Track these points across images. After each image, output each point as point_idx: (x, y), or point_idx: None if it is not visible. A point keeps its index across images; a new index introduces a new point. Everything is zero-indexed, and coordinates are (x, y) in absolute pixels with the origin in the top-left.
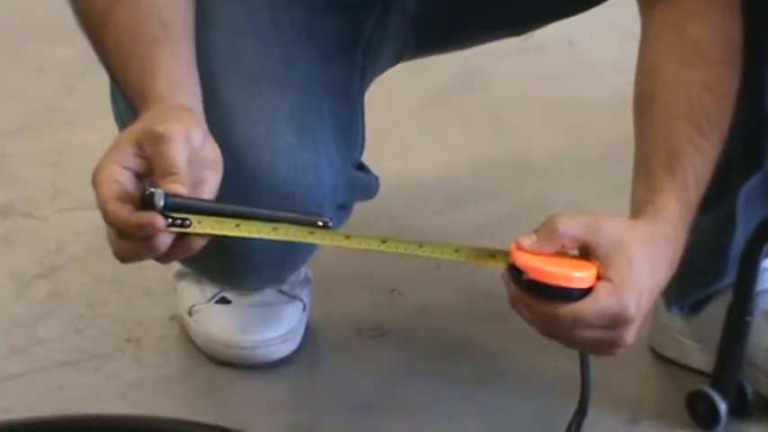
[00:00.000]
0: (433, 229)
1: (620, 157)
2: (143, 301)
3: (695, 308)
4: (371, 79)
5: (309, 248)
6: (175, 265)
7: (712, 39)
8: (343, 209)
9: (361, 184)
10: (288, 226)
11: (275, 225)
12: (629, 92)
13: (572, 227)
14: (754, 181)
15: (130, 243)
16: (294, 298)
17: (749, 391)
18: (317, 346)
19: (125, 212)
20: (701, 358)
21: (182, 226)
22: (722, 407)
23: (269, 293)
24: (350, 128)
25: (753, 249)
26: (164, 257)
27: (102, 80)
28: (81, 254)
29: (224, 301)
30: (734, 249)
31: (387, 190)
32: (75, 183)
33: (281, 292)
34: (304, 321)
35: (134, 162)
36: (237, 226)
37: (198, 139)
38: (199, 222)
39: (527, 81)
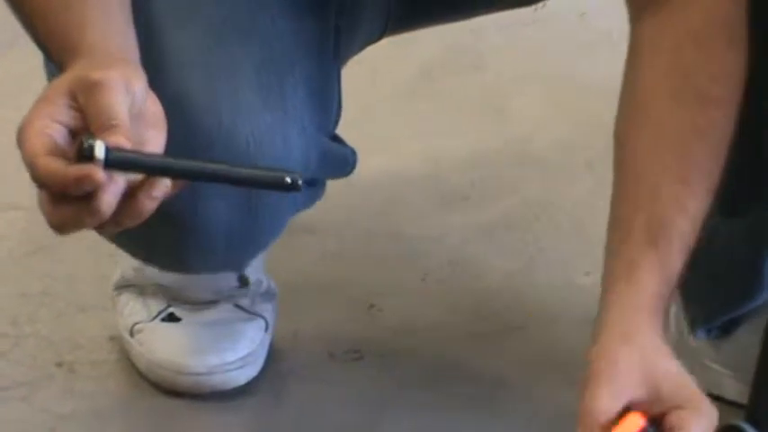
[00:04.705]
0: (418, 233)
1: None
2: (77, 319)
3: (724, 330)
4: (349, 50)
5: (275, 226)
6: (115, 276)
7: (709, 70)
8: (314, 186)
9: (336, 156)
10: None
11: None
12: None
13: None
14: None
15: (68, 207)
16: (255, 315)
17: None
18: (282, 372)
19: (59, 166)
20: (735, 387)
21: None
22: None
23: (225, 309)
24: (324, 91)
25: None
26: (108, 225)
27: (23, 53)
28: (2, 262)
29: (172, 318)
30: None
31: (364, 188)
32: None
33: (240, 307)
34: (267, 342)
35: (68, 115)
36: None
37: (139, 90)
38: None
39: (529, 59)
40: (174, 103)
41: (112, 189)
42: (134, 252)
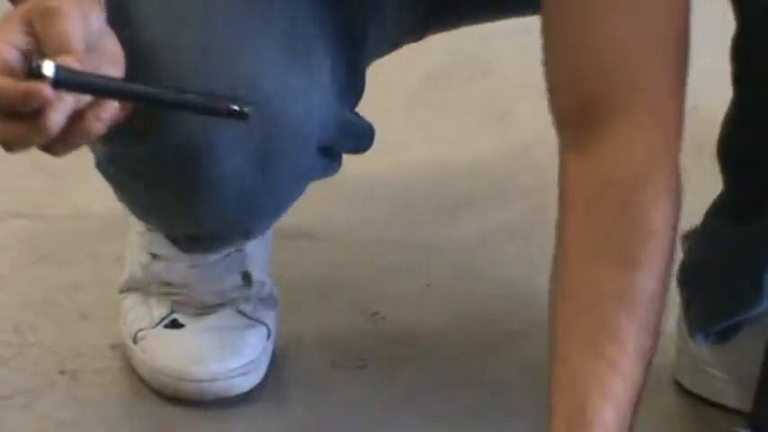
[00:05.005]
0: (423, 239)
1: None
2: (79, 327)
3: (723, 336)
4: (380, 43)
5: (287, 190)
6: (122, 277)
7: (632, 230)
8: (330, 156)
9: (355, 128)
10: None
11: None
12: None
13: None
14: None
15: (16, 124)
16: (257, 322)
17: None
18: (284, 380)
19: (8, 82)
20: (736, 395)
21: None
22: None
23: (227, 315)
24: (348, 70)
25: None
26: (57, 145)
27: None
28: (5, 271)
29: (175, 324)
30: None
31: (369, 193)
32: None
33: (242, 314)
34: (269, 350)
35: (22, 40)
36: None
37: (96, 21)
38: None
39: (537, 66)
40: (198, 56)
41: (60, 108)
42: (142, 209)
